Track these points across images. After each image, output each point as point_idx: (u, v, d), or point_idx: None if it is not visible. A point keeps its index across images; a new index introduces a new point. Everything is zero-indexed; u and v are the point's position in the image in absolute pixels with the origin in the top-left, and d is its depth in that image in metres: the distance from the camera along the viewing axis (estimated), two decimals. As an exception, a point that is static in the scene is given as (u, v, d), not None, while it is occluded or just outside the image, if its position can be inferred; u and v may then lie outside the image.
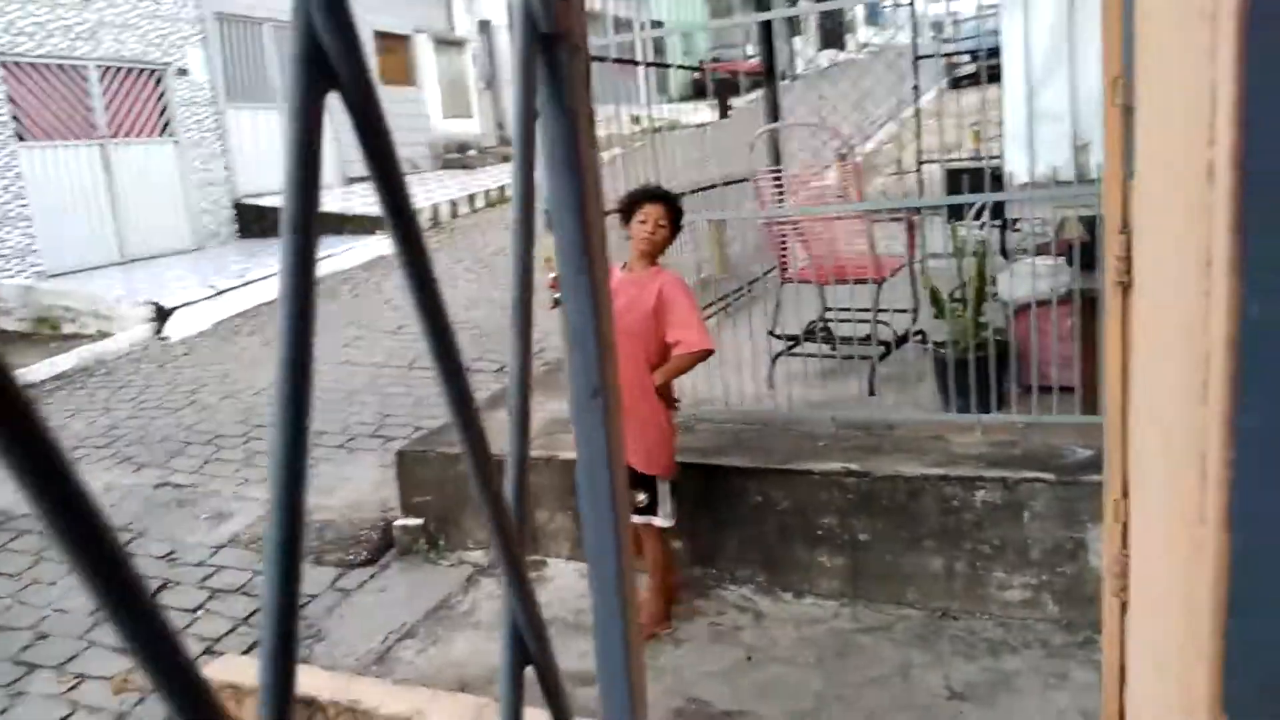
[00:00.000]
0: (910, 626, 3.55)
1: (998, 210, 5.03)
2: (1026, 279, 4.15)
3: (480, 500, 0.33)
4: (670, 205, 3.38)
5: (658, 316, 3.39)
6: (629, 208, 3.40)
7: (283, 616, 0.26)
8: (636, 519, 3.46)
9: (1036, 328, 4.03)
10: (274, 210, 12.89)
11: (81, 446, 6.08)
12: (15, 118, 10.08)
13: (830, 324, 5.07)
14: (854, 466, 3.79)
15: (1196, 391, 0.70)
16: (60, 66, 10.65)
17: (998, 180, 4.46)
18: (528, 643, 0.35)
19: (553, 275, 3.21)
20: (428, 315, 0.30)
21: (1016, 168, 4.41)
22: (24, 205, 10.05)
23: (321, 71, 0.24)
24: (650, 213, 3.35)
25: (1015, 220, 5.20)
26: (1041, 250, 4.56)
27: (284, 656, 0.26)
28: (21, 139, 10.14)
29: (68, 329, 9.07)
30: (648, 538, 3.50)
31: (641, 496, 3.45)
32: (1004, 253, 5.54)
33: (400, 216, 0.27)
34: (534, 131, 0.33)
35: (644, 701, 0.40)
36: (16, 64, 10.15)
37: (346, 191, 14.25)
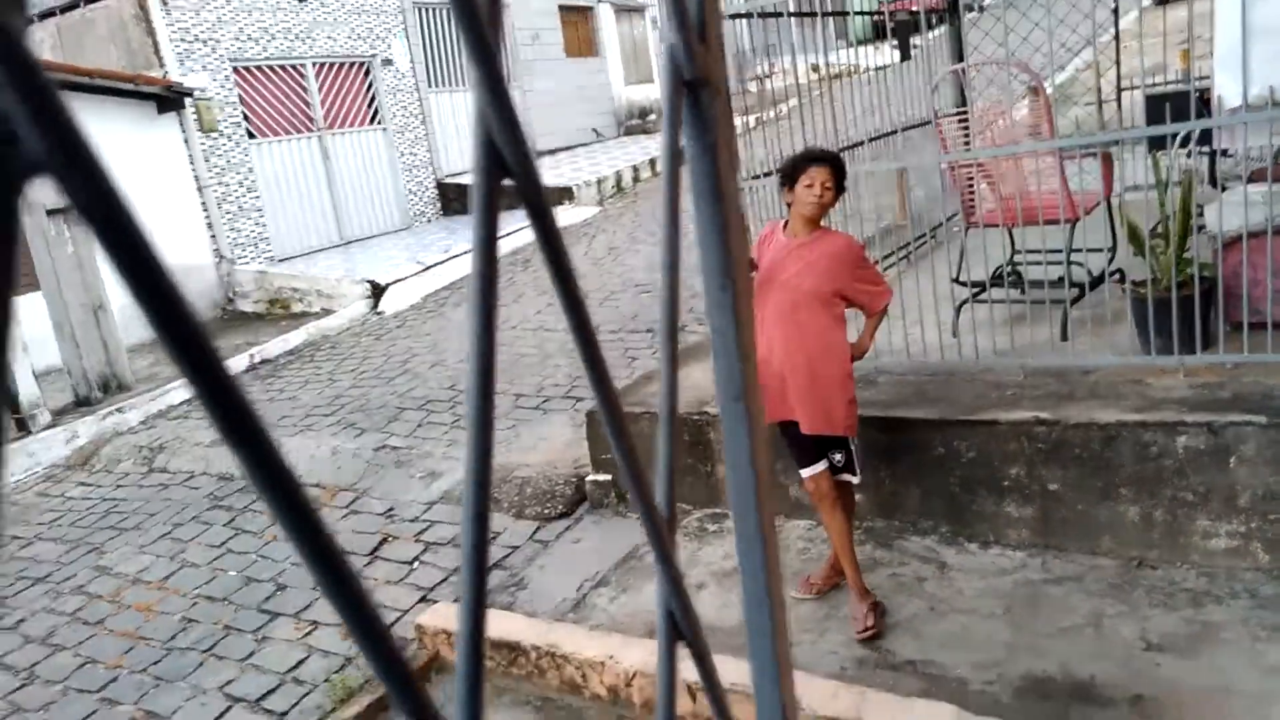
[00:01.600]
0: (1103, 576, 3.42)
1: (1205, 136, 4.64)
2: (1238, 208, 3.84)
3: (630, 491, 0.37)
4: (836, 167, 3.31)
5: (837, 277, 3.35)
6: (792, 172, 3.34)
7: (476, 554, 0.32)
8: (839, 478, 3.48)
9: (1248, 261, 3.73)
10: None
11: (311, 415, 6.74)
12: (246, 117, 11.12)
13: (1020, 268, 4.86)
14: (1044, 415, 3.66)
15: None
16: (282, 67, 11.64)
17: (1206, 104, 4.12)
18: (679, 621, 0.40)
19: None
20: (583, 343, 0.35)
21: (1227, 91, 4.07)
22: (256, 197, 11.11)
23: (498, 167, 0.31)
24: (816, 175, 3.28)
25: (1225, 149, 4.77)
26: (1256, 177, 4.18)
27: (477, 590, 0.31)
28: (252, 136, 11.19)
29: (296, 308, 10.00)
30: (844, 494, 3.53)
31: (838, 456, 3.46)
32: (1213, 181, 5.11)
33: (565, 281, 0.34)
34: (680, 168, 0.38)
35: (790, 675, 0.47)
36: (245, 68, 11.18)
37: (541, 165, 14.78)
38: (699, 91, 0.39)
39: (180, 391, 7.86)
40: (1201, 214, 4.08)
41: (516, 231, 11.39)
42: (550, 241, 0.33)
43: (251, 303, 10.41)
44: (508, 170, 0.31)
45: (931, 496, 3.91)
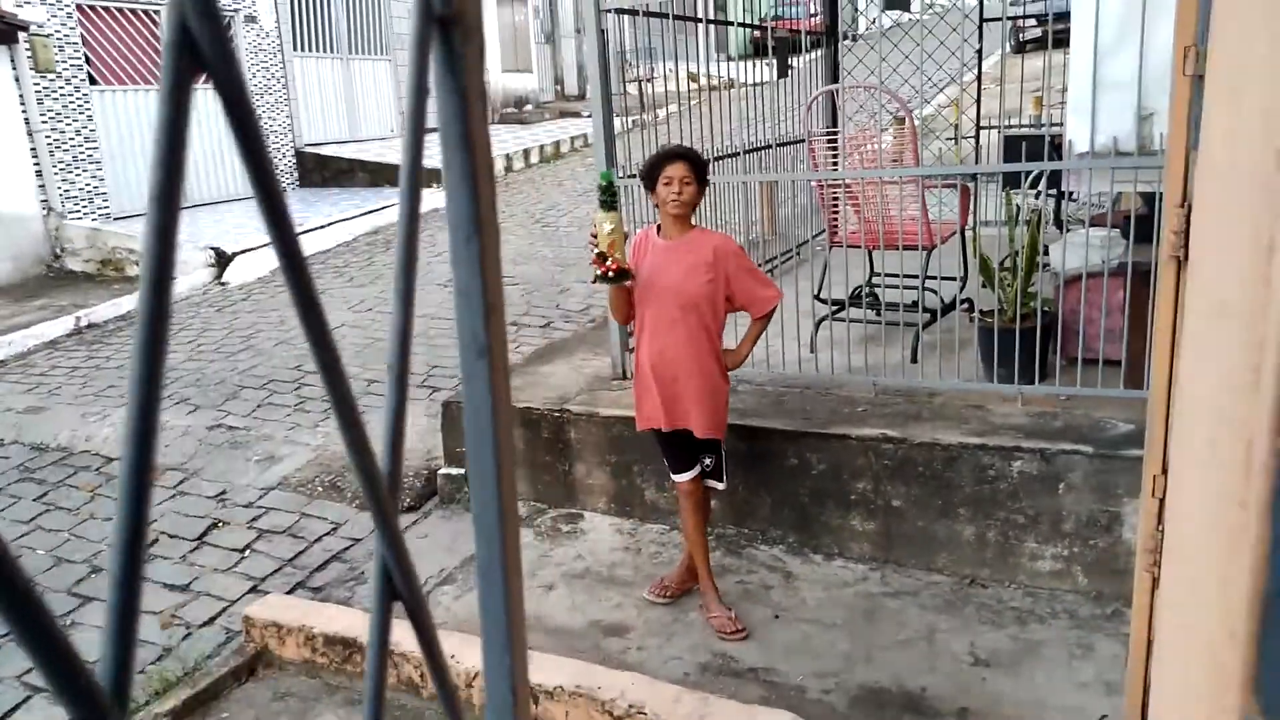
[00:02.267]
0: (938, 592, 3.57)
1: (1054, 179, 4.92)
2: (1080, 250, 4.08)
3: (346, 446, 0.34)
4: (692, 161, 3.28)
5: (718, 281, 3.32)
6: (651, 173, 3.31)
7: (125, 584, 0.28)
8: (705, 483, 3.50)
9: (1085, 299, 3.97)
10: (334, 159, 13.07)
11: (143, 385, 6.29)
12: (89, 60, 10.31)
13: (877, 289, 5.03)
14: (892, 432, 3.79)
15: (1248, 378, 0.70)
16: (133, 10, 10.86)
17: (1057, 149, 4.36)
18: (395, 580, 0.38)
19: (596, 251, 3.18)
20: (298, 291, 0.32)
21: (1077, 136, 4.31)
22: (94, 148, 10.32)
23: (191, 56, 0.27)
24: (674, 172, 3.25)
25: (1071, 192, 5.09)
26: (1096, 221, 4.46)
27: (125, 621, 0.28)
28: (94, 82, 10.39)
29: (131, 271, 9.34)
30: (707, 499, 3.54)
31: (708, 460, 3.47)
32: (1058, 223, 5.43)
33: (269, 192, 0.29)
34: (425, 108, 0.35)
35: (524, 654, 0.43)
36: (91, 8, 10.37)
37: (405, 143, 14.38)
38: (451, 29, 0.35)
39: (-9, 351, 7.21)
40: (1047, 252, 4.32)
41: (380, 210, 11.04)
42: (250, 145, 0.29)
43: (82, 261, 9.66)
44: (203, 61, 0.27)
45: (782, 506, 3.98)
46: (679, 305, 3.32)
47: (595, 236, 3.19)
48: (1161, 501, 2.35)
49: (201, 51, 0.27)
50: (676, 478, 3.48)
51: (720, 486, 3.56)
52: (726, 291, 3.36)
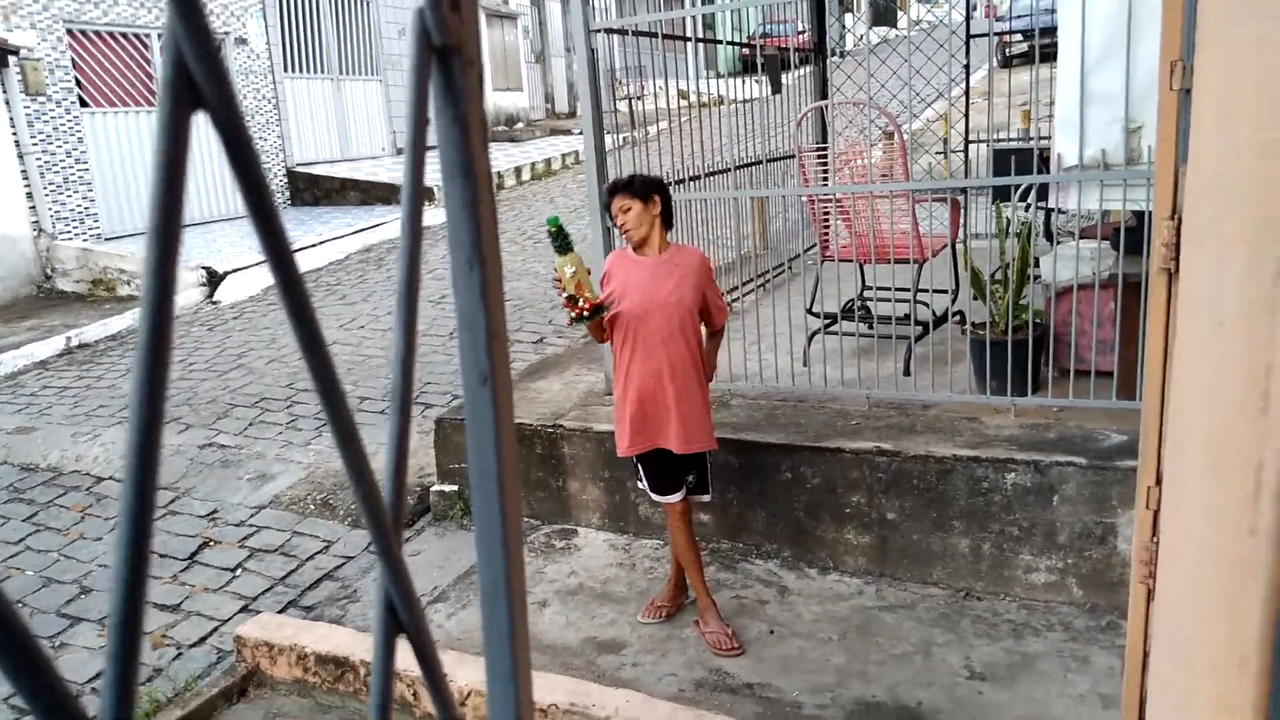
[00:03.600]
0: (934, 605, 3.55)
1: (1044, 192, 4.95)
2: (1070, 262, 4.10)
3: (348, 470, 0.34)
4: (630, 189, 3.29)
5: (700, 289, 3.36)
6: (606, 210, 3.41)
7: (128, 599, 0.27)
8: (692, 498, 3.49)
9: (1077, 311, 3.98)
10: (326, 179, 13.08)
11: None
12: (79, 83, 10.32)
13: (869, 303, 5.04)
14: (885, 446, 3.79)
15: (1256, 403, 0.69)
16: (124, 34, 10.88)
17: (1045, 162, 4.39)
18: (399, 612, 0.37)
19: (564, 296, 3.15)
20: (300, 324, 0.32)
21: (1065, 150, 4.34)
22: (84, 169, 10.31)
23: (190, 94, 0.27)
24: (615, 206, 3.30)
25: (1060, 208, 5.12)
26: (1086, 233, 4.48)
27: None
28: (84, 104, 10.39)
29: (122, 291, 9.32)
30: (692, 513, 3.54)
31: (692, 476, 3.46)
32: (1048, 235, 5.46)
33: (269, 224, 0.29)
34: (425, 138, 0.35)
35: (528, 684, 0.43)
36: (82, 32, 10.38)
37: (396, 161, 14.42)
38: (450, 59, 0.36)
39: (-19, 373, 7.17)
40: (1037, 264, 4.33)
41: (372, 228, 11.05)
42: (252, 184, 0.29)
43: (73, 282, 9.63)
44: (202, 100, 0.27)
45: (777, 520, 3.97)
46: (677, 319, 3.32)
47: (559, 282, 3.17)
48: (1156, 513, 2.35)
49: (200, 90, 0.27)
50: (669, 499, 3.44)
51: (707, 499, 3.58)
52: (704, 302, 3.41)
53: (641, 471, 3.46)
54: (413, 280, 0.37)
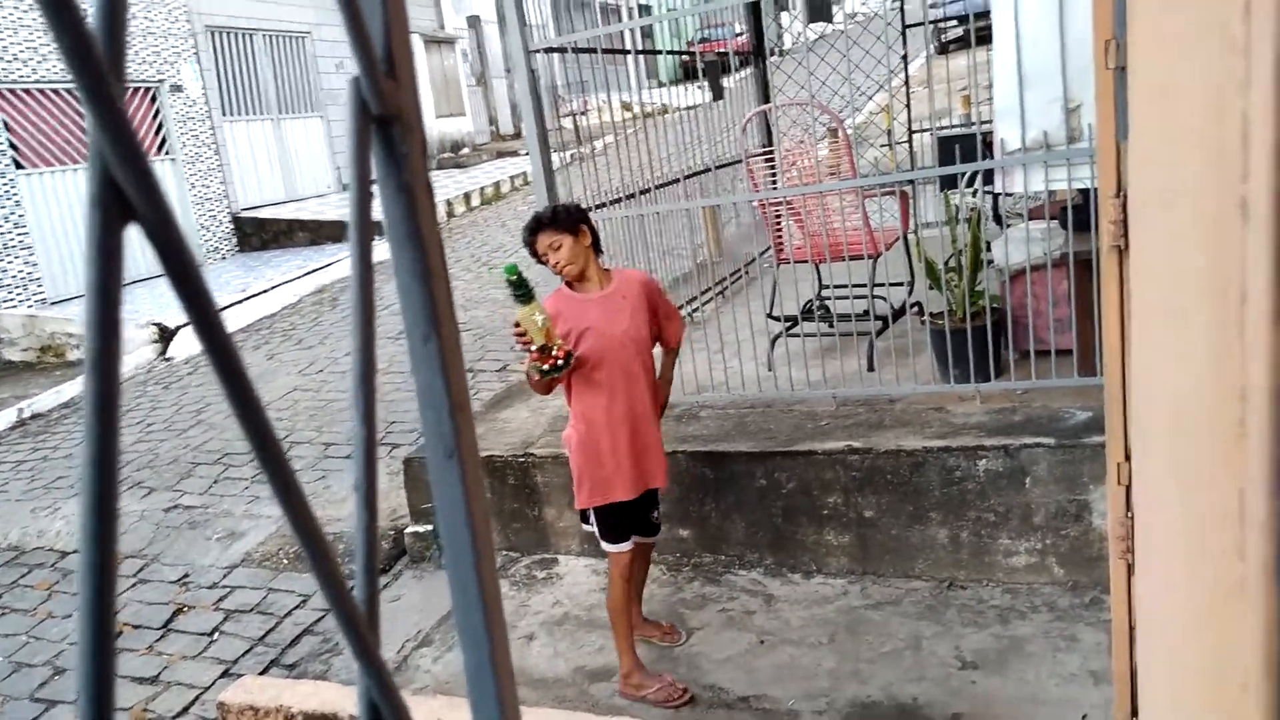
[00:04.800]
0: (919, 599, 3.55)
1: (990, 176, 4.99)
2: (1020, 244, 4.13)
3: (319, 583, 0.33)
4: (552, 222, 3.08)
5: (651, 311, 3.22)
6: (531, 250, 3.12)
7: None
8: (643, 540, 3.35)
9: (1032, 292, 4.01)
10: (273, 222, 12.94)
11: (94, 471, 6.13)
12: (13, 145, 10.12)
13: (827, 302, 5.05)
14: (856, 444, 3.79)
15: (1233, 428, 0.66)
16: (55, 91, 10.69)
17: (989, 146, 4.42)
18: (384, 714, 0.36)
19: (536, 348, 2.87)
20: (241, 410, 0.30)
21: (1007, 135, 4.38)
22: (24, 234, 10.11)
23: (120, 207, 0.26)
24: (547, 242, 3.07)
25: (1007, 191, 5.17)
26: (1034, 214, 4.53)
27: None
28: (20, 166, 10.19)
29: (72, 355, 9.13)
30: (647, 556, 3.47)
31: (656, 514, 3.35)
32: (997, 219, 5.51)
33: (207, 327, 0.29)
34: (370, 209, 0.35)
35: None
36: (12, 91, 10.19)
37: (343, 198, 14.29)
38: (390, 128, 0.35)
39: (-67, 452, 6.97)
40: (989, 249, 4.36)
41: (324, 268, 10.93)
42: (192, 295, 0.28)
43: (20, 350, 9.41)
44: (133, 212, 0.26)
45: (756, 529, 3.95)
46: (637, 353, 3.15)
47: (523, 334, 2.87)
48: (1128, 488, 2.36)
49: (130, 201, 0.26)
50: (619, 548, 3.21)
51: (655, 539, 3.45)
52: (656, 322, 3.26)
53: (594, 518, 3.23)
54: (368, 363, 0.35)
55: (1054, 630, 3.25)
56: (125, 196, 0.26)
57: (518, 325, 2.88)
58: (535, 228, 3.09)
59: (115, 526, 0.26)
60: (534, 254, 3.13)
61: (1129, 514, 2.35)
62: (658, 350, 3.38)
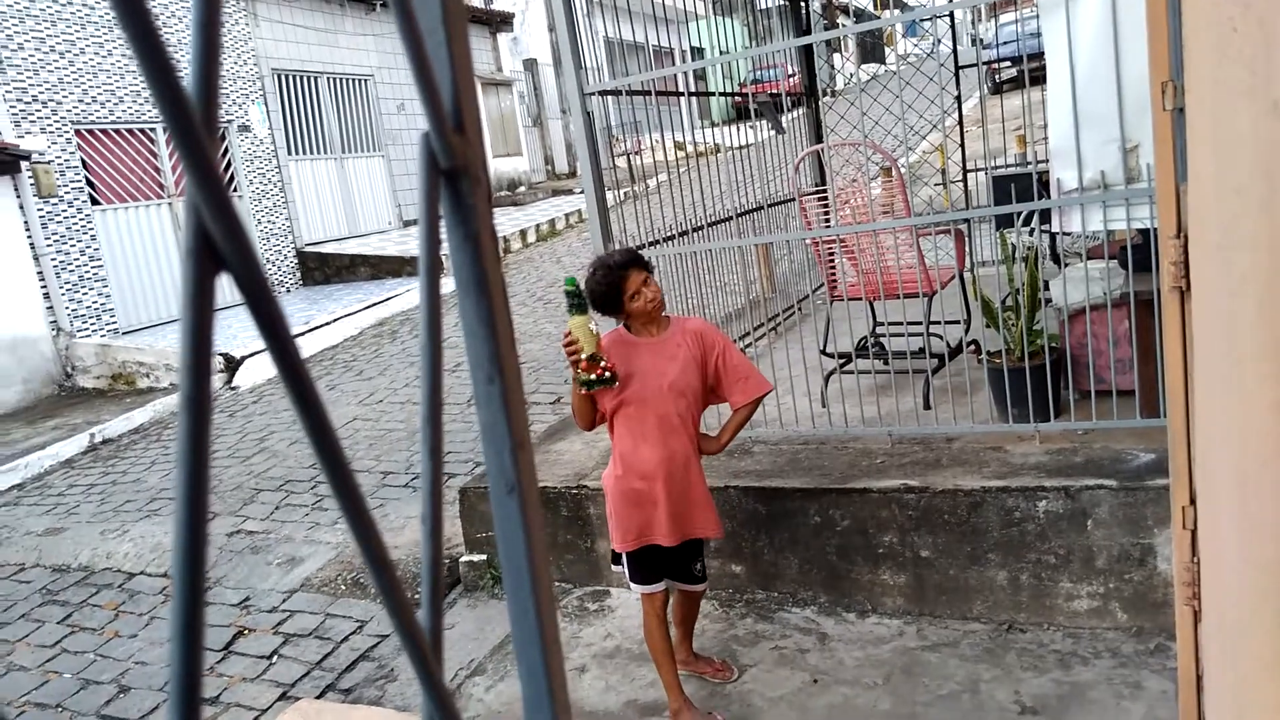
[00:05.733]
0: (977, 641, 3.50)
1: (1046, 214, 4.97)
2: (1079, 283, 4.09)
3: (390, 617, 0.35)
4: (640, 262, 3.12)
5: (706, 361, 3.18)
6: (610, 294, 3.08)
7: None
8: (687, 588, 3.34)
9: (1091, 332, 3.97)
10: (335, 256, 13.26)
11: (158, 499, 6.30)
12: (90, 182, 10.54)
13: (882, 339, 5.04)
14: (913, 482, 3.76)
15: None
16: (130, 131, 11.13)
17: (1045, 185, 4.41)
18: None
19: (585, 356, 2.95)
20: (319, 442, 0.33)
21: (1064, 176, 4.37)
22: (99, 266, 10.49)
23: (212, 257, 0.28)
24: (634, 282, 3.06)
25: (1064, 231, 5.14)
26: (1094, 253, 4.49)
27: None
28: (95, 202, 10.61)
29: (142, 384, 9.41)
30: (694, 600, 3.45)
31: (699, 565, 3.32)
32: (1055, 258, 5.46)
33: (289, 367, 0.31)
34: (439, 260, 0.37)
35: None
36: (90, 131, 10.63)
37: (404, 234, 14.61)
38: (457, 181, 0.37)
39: (8, 475, 7.23)
40: (1047, 288, 4.33)
41: (384, 301, 11.15)
42: (276, 337, 0.30)
43: (93, 378, 9.74)
44: (223, 262, 0.28)
45: (810, 566, 3.93)
46: (685, 403, 3.14)
47: (572, 344, 2.95)
48: (1194, 533, 2.32)
49: (220, 252, 0.28)
50: (650, 589, 3.20)
51: (702, 588, 3.41)
52: (712, 380, 3.21)
53: (626, 561, 3.22)
54: (436, 405, 0.38)
55: (1117, 677, 3.18)
56: (216, 248, 0.28)
57: (568, 334, 2.97)
58: (626, 265, 3.08)
59: (205, 555, 0.28)
60: (615, 299, 3.09)
61: (1194, 559, 2.31)
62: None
